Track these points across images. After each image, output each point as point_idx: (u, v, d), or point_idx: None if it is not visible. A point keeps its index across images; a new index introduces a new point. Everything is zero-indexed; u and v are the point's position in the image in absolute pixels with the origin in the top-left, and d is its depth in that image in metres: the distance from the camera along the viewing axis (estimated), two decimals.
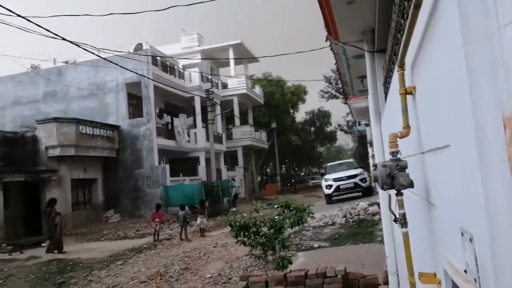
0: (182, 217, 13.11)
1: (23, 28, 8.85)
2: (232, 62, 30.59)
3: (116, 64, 14.92)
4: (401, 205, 1.98)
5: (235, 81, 30.46)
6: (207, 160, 23.29)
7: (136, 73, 17.57)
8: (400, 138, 2.10)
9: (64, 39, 9.53)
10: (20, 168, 15.37)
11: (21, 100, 21.50)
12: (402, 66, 2.18)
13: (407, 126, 2.06)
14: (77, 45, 10.73)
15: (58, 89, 21.03)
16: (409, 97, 2.11)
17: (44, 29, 8.49)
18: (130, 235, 14.74)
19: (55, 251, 11.70)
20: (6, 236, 13.61)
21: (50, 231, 12.06)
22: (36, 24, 8.33)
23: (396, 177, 1.95)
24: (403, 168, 1.99)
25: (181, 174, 20.61)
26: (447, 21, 1.15)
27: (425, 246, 2.03)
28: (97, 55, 13.18)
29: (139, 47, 23.15)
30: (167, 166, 19.83)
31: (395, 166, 1.97)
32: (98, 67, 19.40)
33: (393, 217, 2.18)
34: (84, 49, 10.37)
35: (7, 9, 7.32)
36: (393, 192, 2.06)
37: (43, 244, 12.92)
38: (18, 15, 7.96)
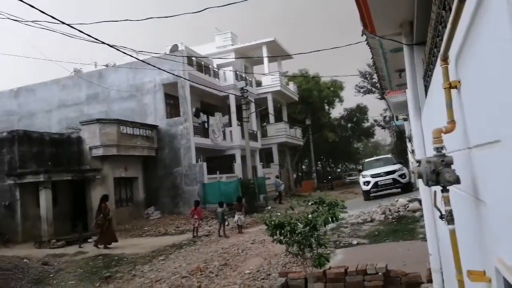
0: (220, 214, 13.32)
1: (67, 34, 9.29)
2: (265, 59, 30.62)
3: (153, 66, 15.38)
4: (447, 201, 1.95)
5: (269, 79, 30.49)
6: (243, 158, 23.50)
7: (173, 74, 17.98)
8: (444, 133, 2.06)
9: (104, 43, 9.91)
10: (66, 168, 16.16)
11: (66, 102, 22.54)
12: (445, 59, 2.13)
13: (452, 121, 2.02)
14: (116, 48, 11.13)
15: (99, 92, 21.87)
16: (453, 91, 2.06)
17: (86, 34, 8.88)
18: (170, 231, 15.15)
19: (108, 245, 12.25)
20: (55, 232, 14.36)
21: (103, 225, 12.60)
22: (79, 30, 8.72)
23: (441, 173, 1.92)
24: (449, 164, 1.95)
25: (218, 172, 20.92)
26: (495, 15, 1.13)
27: (472, 243, 1.98)
28: (135, 57, 13.64)
29: (174, 48, 23.67)
30: (204, 164, 20.19)
31: (440, 162, 1.94)
32: (136, 69, 20.01)
33: (439, 214, 2.15)
34: (123, 52, 10.76)
35: (52, 16, 7.70)
36: (438, 188, 2.03)
37: (89, 240, 13.55)
38: (62, 22, 8.37)
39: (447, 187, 1.94)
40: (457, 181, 1.90)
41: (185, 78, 19.45)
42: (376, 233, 9.80)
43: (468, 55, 1.70)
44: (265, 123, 33.60)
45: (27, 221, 14.66)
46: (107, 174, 17.49)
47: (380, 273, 4.86)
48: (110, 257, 10.91)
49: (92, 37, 9.69)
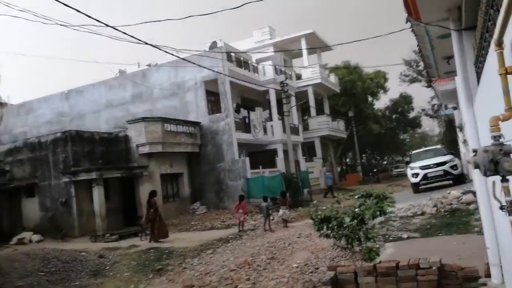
0: (265, 208, 13.43)
1: (112, 37, 9.68)
2: (305, 52, 30.31)
3: (194, 63, 15.69)
4: (507, 192, 1.88)
5: (309, 72, 30.19)
6: (285, 152, 23.49)
7: (213, 71, 18.27)
8: (502, 121, 1.98)
9: (147, 43, 10.25)
10: (116, 165, 16.92)
11: (113, 102, 23.52)
12: (500, 45, 2.04)
13: (509, 109, 1.94)
14: (159, 48, 11.46)
15: (143, 91, 22.63)
16: (510, 77, 1.98)
17: (130, 36, 9.23)
18: (216, 225, 15.47)
19: (160, 240, 12.74)
20: (108, 227, 15.13)
21: (154, 220, 13.10)
22: (123, 32, 9.07)
23: (500, 163, 1.85)
24: (508, 152, 1.88)
25: (260, 167, 21.07)
26: None
27: None
28: (176, 56, 13.95)
29: (214, 45, 24.01)
30: (247, 159, 20.40)
31: (499, 151, 1.87)
32: (177, 67, 20.51)
33: (498, 205, 2.07)
34: (165, 51, 11.07)
35: (97, 20, 8.06)
36: (497, 178, 1.95)
37: (139, 234, 14.13)
38: (107, 25, 8.74)
39: (507, 177, 1.87)
40: None
41: (225, 74, 19.69)
42: (428, 226, 9.48)
43: None
44: (306, 117, 33.33)
45: (82, 217, 15.54)
46: (153, 171, 18.13)
47: (434, 268, 4.71)
48: (161, 250, 11.33)
49: (136, 38, 10.05)
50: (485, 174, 1.95)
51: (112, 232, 14.72)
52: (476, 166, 2.00)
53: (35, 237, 14.67)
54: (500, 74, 2.02)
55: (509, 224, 1.93)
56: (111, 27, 9.60)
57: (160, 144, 18.33)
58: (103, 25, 9.27)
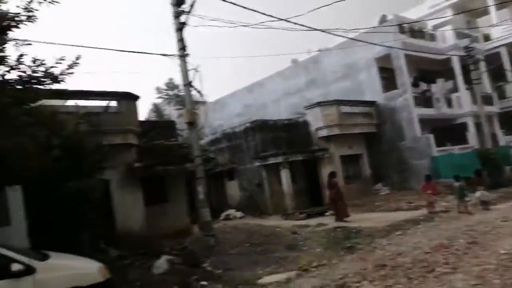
0: (458, 188, 12.38)
1: (285, 28, 10.35)
2: (492, 8, 25.90)
3: (365, 42, 15.33)
4: None
5: (499, 30, 25.69)
6: (478, 125, 20.82)
7: (385, 46, 17.46)
8: None
9: (317, 29, 10.57)
10: (299, 149, 18.10)
11: (290, 91, 25.05)
12: None
13: None
14: (329, 32, 11.68)
15: (316, 76, 23.36)
16: None
17: (301, 25, 9.70)
18: (402, 207, 14.98)
19: (345, 219, 13.26)
20: (296, 206, 16.41)
21: (337, 200, 13.70)
22: (294, 23, 9.58)
23: None
24: None
25: (448, 143, 19.27)
26: None
27: None
28: (346, 37, 13.88)
29: (383, 19, 22.84)
30: (431, 136, 18.96)
31: None
32: (347, 48, 20.35)
33: None
34: (335, 35, 11.24)
35: (271, 15, 8.74)
36: None
37: (326, 214, 14.87)
38: (280, 19, 9.37)
39: None
40: None
41: (398, 48, 18.66)
42: None
43: None
44: (501, 83, 28.54)
45: (273, 197, 17.28)
46: (333, 153, 18.66)
47: None
48: (348, 229, 11.70)
49: (307, 26, 10.49)
50: None
51: (300, 211, 15.92)
52: None
53: (238, 214, 17.17)
54: None
55: None
56: (283, 19, 10.30)
57: (336, 126, 18.72)
58: (276, 19, 10.02)
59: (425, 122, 20.05)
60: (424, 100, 20.65)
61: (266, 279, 8.08)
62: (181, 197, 13.80)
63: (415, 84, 21.42)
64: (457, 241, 8.45)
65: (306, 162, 17.96)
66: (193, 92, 11.64)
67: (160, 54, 11.09)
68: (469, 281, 6.06)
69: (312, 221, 13.96)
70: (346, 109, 19.23)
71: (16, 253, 5.50)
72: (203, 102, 13.15)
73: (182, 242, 11.37)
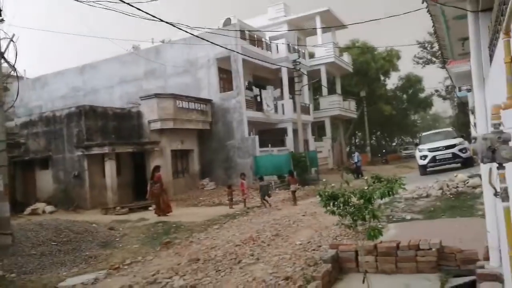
0: (262, 187, 13.91)
1: (126, 13, 9.68)
2: (319, 30, 29.82)
3: (207, 41, 15.58)
4: (502, 179, 1.91)
5: (322, 50, 29.77)
6: (295, 131, 23.50)
7: (226, 48, 18.11)
8: (503, 109, 1.99)
9: (161, 20, 10.22)
10: (128, 141, 17.18)
11: (126, 78, 23.65)
12: (508, 33, 2.04)
13: (511, 97, 1.95)
14: (172, 25, 11.42)
15: (156, 67, 22.67)
16: None
17: (144, 12, 9.21)
18: (224, 202, 15.69)
19: (167, 214, 13.10)
20: (119, 200, 15.50)
21: (159, 195, 13.42)
22: (137, 8, 9.05)
23: (497, 150, 1.88)
24: (506, 140, 1.90)
25: (269, 145, 21.15)
26: None
27: None
28: (190, 33, 13.83)
29: (227, 22, 23.75)
30: (257, 137, 20.49)
31: (497, 138, 1.90)
32: (190, 44, 20.41)
33: (494, 191, 2.11)
34: (179, 28, 11.03)
35: None
36: (494, 165, 1.99)
37: (150, 208, 14.47)
38: (122, 1, 8.72)
39: (503, 164, 1.90)
40: None
41: (238, 52, 19.56)
42: (432, 209, 9.53)
43: None
44: (317, 96, 33.09)
45: (94, 190, 15.93)
46: (164, 147, 18.35)
47: (433, 249, 4.80)
48: (169, 224, 11.60)
49: (150, 14, 10.02)
50: (482, 161, 1.98)
51: (122, 205, 15.09)
52: (475, 153, 2.03)
53: (48, 208, 15.14)
54: (505, 62, 2.03)
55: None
56: (126, 3, 9.59)
57: (171, 120, 18.48)
58: (118, 1, 9.26)
59: (253, 124, 21.58)
60: (255, 104, 22.26)
61: (69, 281, 7.31)
62: None
63: (249, 88, 22.88)
64: (264, 233, 9.21)
65: (135, 154, 17.20)
66: (4, 65, 9.92)
67: None
68: (268, 270, 6.63)
69: (134, 216, 13.40)
70: (182, 104, 19.18)
71: None
72: (17, 77, 11.19)
73: None
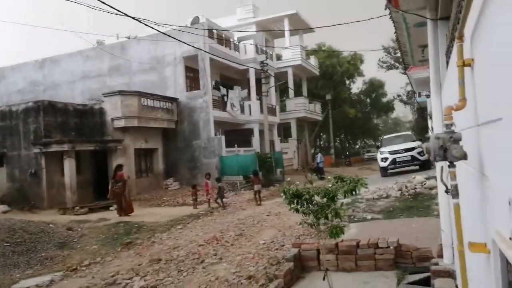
0: (220, 188, 14.05)
1: (90, 6, 9.38)
2: (287, 33, 30.13)
3: (174, 38, 15.36)
4: (453, 176, 2.01)
5: (289, 52, 30.09)
6: (261, 132, 23.61)
7: (193, 46, 17.95)
8: (455, 110, 2.09)
9: (126, 15, 9.97)
10: (89, 138, 16.63)
11: (89, 74, 22.90)
12: (461, 37, 2.14)
13: (463, 99, 2.04)
14: (138, 20, 11.18)
15: (121, 63, 22.09)
16: (467, 69, 2.07)
17: (109, 6, 8.96)
18: (188, 202, 15.51)
19: (129, 214, 12.78)
20: (78, 200, 14.97)
21: (121, 195, 13.06)
22: (102, 2, 8.79)
23: (449, 149, 1.97)
24: (457, 140, 2.00)
25: (236, 145, 21.12)
26: None
27: (476, 217, 2.05)
28: (156, 29, 13.58)
29: (196, 20, 23.50)
30: (223, 137, 20.41)
31: (449, 138, 1.98)
32: (157, 41, 20.05)
33: (445, 188, 2.21)
34: (145, 25, 10.81)
35: None
36: (445, 164, 2.08)
37: (111, 208, 14.07)
38: None
39: (454, 163, 2.00)
40: (464, 157, 1.95)
41: (205, 51, 19.41)
42: (391, 209, 9.86)
43: (482, 33, 1.71)
44: (284, 98, 33.42)
45: (52, 189, 15.28)
46: (128, 145, 17.92)
47: (391, 247, 4.97)
48: (131, 224, 11.33)
49: (115, 9, 9.75)
50: (435, 159, 2.07)
51: (82, 205, 14.58)
52: (428, 151, 2.11)
53: (1, 208, 14.36)
54: (458, 66, 2.12)
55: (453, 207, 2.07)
56: None
57: (136, 118, 18.07)
58: None
59: (219, 124, 21.48)
60: (222, 104, 22.17)
61: (23, 283, 7.01)
62: None
63: (216, 88, 22.75)
64: (227, 233, 9.19)
65: (96, 152, 16.67)
66: None
67: None
68: (231, 269, 6.62)
69: (94, 216, 12.98)
70: (147, 102, 18.80)
71: None
72: None
73: None
